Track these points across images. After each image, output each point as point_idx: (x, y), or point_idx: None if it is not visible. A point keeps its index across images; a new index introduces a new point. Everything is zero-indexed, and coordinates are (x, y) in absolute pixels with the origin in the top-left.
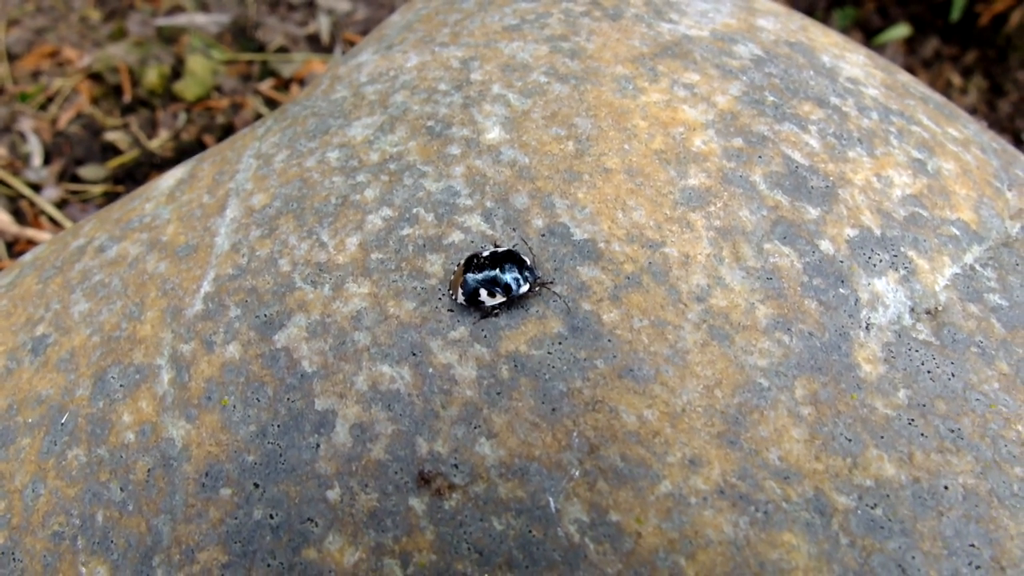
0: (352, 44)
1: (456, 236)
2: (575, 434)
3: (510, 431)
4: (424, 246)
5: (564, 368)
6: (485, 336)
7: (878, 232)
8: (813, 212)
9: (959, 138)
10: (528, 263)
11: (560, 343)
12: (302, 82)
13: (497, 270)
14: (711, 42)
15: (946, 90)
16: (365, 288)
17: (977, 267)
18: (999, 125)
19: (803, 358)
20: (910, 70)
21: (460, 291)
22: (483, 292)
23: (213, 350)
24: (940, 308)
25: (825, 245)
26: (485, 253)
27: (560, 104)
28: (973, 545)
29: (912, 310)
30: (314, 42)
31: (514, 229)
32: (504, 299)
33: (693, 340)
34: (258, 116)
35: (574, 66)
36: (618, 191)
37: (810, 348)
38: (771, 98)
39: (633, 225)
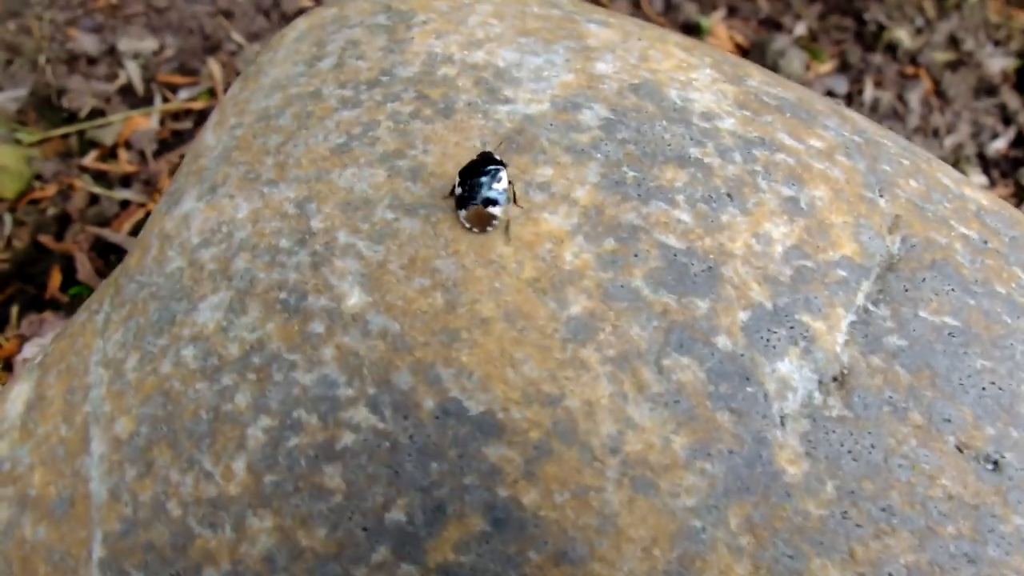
0: (170, 88)
1: (348, 438)
2: None
3: None
4: (317, 457)
5: (499, 569)
6: (408, 551)
7: (769, 305)
8: (702, 305)
9: (822, 149)
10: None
11: (487, 542)
12: (128, 145)
13: (485, 182)
14: (555, 116)
15: None
16: (268, 521)
17: (870, 307)
18: (839, 9)
19: (729, 482)
20: None
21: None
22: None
23: None
24: (846, 371)
25: (722, 341)
26: (460, 187)
27: (416, 245)
28: None
29: (820, 383)
30: (129, 94)
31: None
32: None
33: (619, 500)
34: (92, 198)
35: (419, 191)
36: (502, 344)
37: (733, 469)
38: (631, 173)
39: (527, 382)
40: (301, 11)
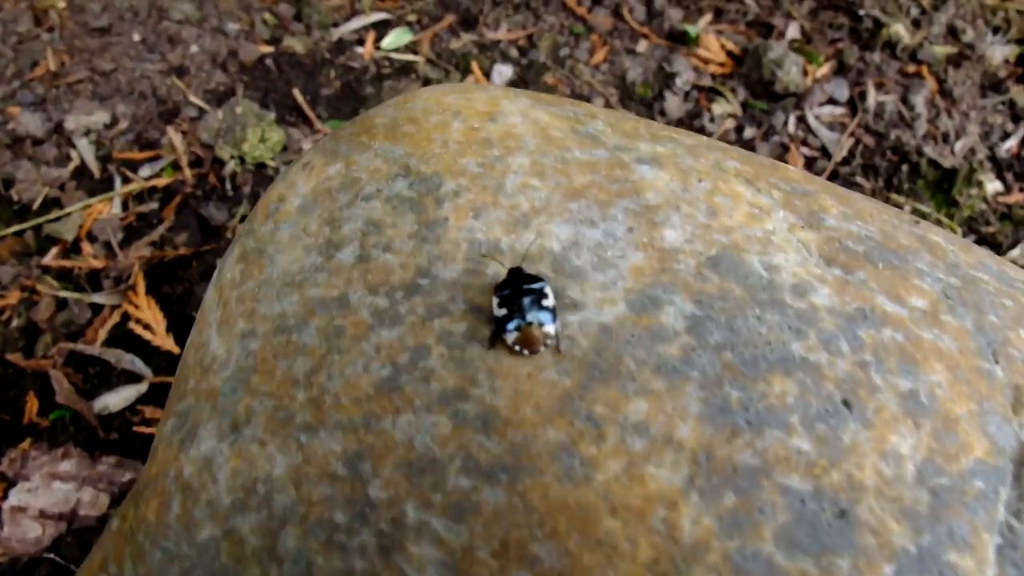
0: (129, 165)
1: None
2: None
3: None
4: None
5: None
6: None
7: (913, 549)
8: (843, 565)
9: (926, 310)
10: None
11: None
12: (91, 237)
13: (530, 301)
14: (634, 322)
15: None
16: None
17: (1012, 522)
18: (832, 5)
19: None
20: None
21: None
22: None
23: None
24: None
25: None
26: (501, 308)
27: (504, 525)
28: None
29: None
30: (85, 177)
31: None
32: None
33: None
34: (61, 302)
35: (495, 447)
36: None
37: None
38: (736, 394)
39: None
40: (262, 59)
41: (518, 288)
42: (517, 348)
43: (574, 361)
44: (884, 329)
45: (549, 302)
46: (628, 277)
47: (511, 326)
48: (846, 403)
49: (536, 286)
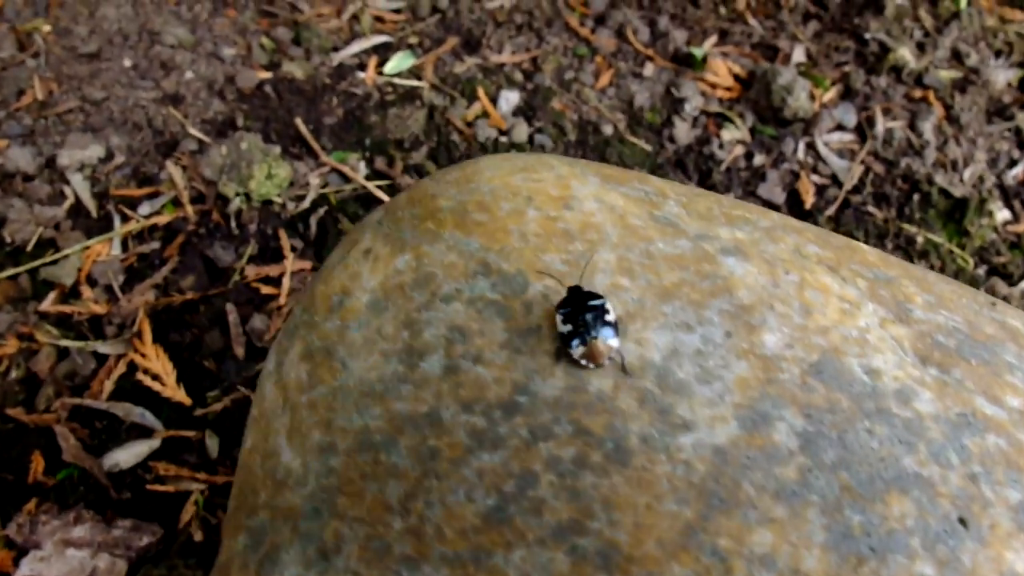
0: (129, 203)
1: None
2: None
3: None
4: None
5: None
6: None
7: None
8: None
9: (1022, 411)
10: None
11: None
12: (91, 280)
13: (593, 317)
14: (747, 442)
15: None
16: None
17: None
18: (837, 27)
19: None
20: None
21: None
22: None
23: None
24: None
25: None
26: (566, 324)
27: None
28: None
29: None
30: (81, 216)
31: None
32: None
33: None
34: (62, 351)
35: None
36: None
37: None
38: (857, 518)
39: None
40: (260, 85)
41: (581, 305)
42: (583, 362)
43: (693, 489)
44: (987, 435)
45: (611, 317)
46: (735, 390)
47: (576, 341)
48: (962, 521)
49: (597, 303)
